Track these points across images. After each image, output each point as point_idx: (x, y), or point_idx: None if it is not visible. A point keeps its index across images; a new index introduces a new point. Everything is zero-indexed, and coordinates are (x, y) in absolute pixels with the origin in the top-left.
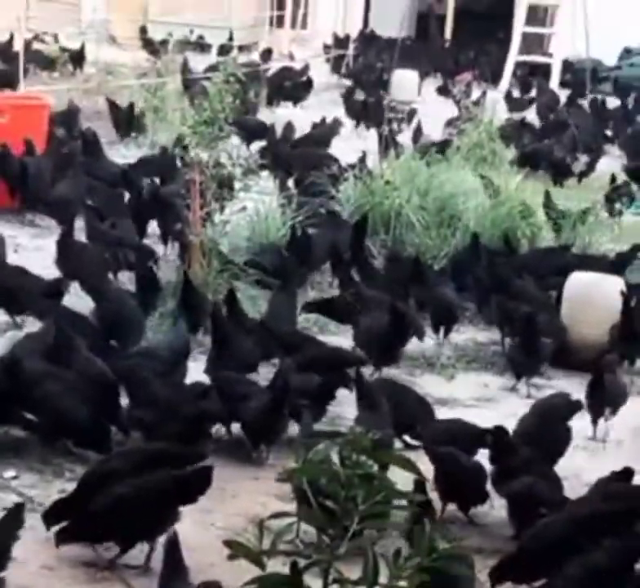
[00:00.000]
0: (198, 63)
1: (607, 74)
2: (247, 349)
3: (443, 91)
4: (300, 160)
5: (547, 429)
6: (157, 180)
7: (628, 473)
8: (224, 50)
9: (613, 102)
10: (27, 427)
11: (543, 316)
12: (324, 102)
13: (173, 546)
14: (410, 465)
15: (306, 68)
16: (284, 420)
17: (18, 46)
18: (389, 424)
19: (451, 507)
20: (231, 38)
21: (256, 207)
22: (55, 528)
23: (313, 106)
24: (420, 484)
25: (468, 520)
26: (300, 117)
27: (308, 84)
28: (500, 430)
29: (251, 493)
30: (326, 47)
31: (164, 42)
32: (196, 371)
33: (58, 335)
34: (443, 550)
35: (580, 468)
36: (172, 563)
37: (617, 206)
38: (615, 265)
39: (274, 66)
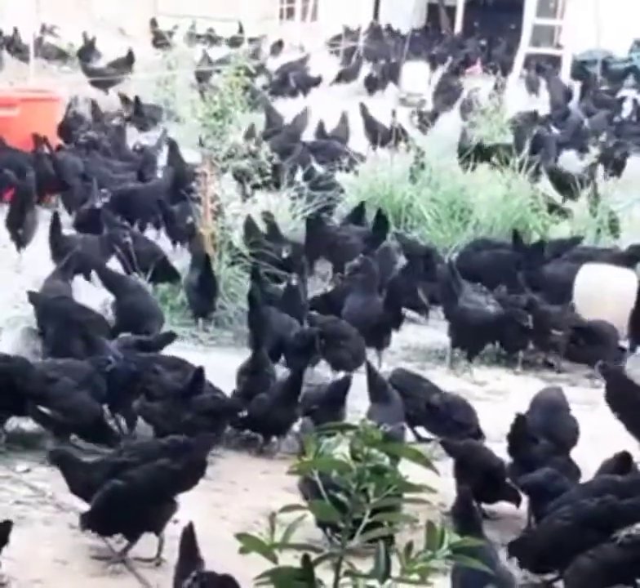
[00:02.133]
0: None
1: (627, 66)
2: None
3: (450, 81)
4: (312, 152)
5: (556, 422)
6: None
7: (627, 457)
8: (234, 42)
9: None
10: (40, 421)
11: (556, 308)
12: (333, 94)
13: (188, 538)
14: (421, 458)
15: (305, 59)
16: (295, 413)
17: (27, 39)
18: (402, 417)
19: None
20: (241, 30)
21: (267, 200)
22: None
23: (321, 99)
24: None
25: (481, 513)
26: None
27: (313, 76)
28: (519, 419)
29: (261, 487)
30: (337, 39)
31: (172, 35)
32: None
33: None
34: (456, 543)
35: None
36: (188, 555)
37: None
38: (628, 258)
39: (280, 59)
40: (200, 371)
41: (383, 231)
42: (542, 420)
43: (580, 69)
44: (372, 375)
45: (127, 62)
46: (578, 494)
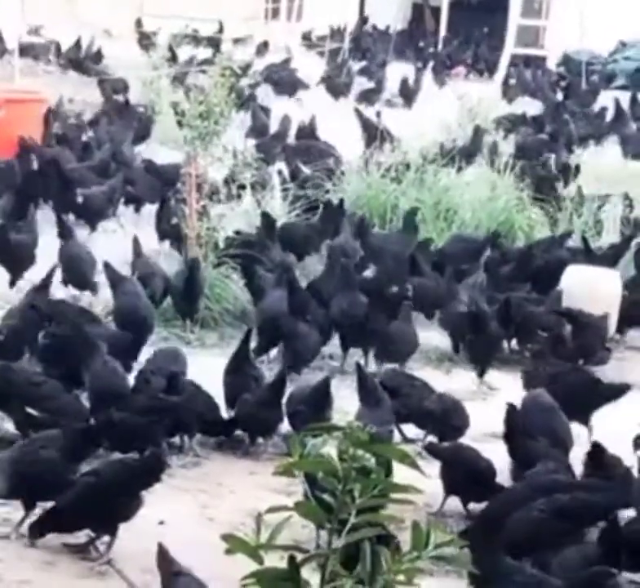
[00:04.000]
0: (193, 56)
1: (613, 68)
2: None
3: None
4: (297, 153)
5: (555, 424)
6: None
7: (599, 448)
8: (212, 42)
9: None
10: (26, 423)
11: (541, 309)
12: (319, 95)
13: (163, 556)
14: (408, 459)
15: (288, 59)
16: (280, 413)
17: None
18: (391, 419)
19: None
20: (220, 30)
21: (253, 200)
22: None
23: (307, 99)
24: None
25: (465, 514)
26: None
27: (294, 77)
28: (510, 411)
29: (248, 488)
30: (321, 39)
31: (156, 35)
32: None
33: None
34: (441, 543)
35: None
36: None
37: None
38: (610, 257)
39: (266, 59)
40: (175, 375)
41: (334, 221)
42: (541, 423)
43: (574, 68)
44: (363, 376)
45: (96, 60)
46: (520, 491)
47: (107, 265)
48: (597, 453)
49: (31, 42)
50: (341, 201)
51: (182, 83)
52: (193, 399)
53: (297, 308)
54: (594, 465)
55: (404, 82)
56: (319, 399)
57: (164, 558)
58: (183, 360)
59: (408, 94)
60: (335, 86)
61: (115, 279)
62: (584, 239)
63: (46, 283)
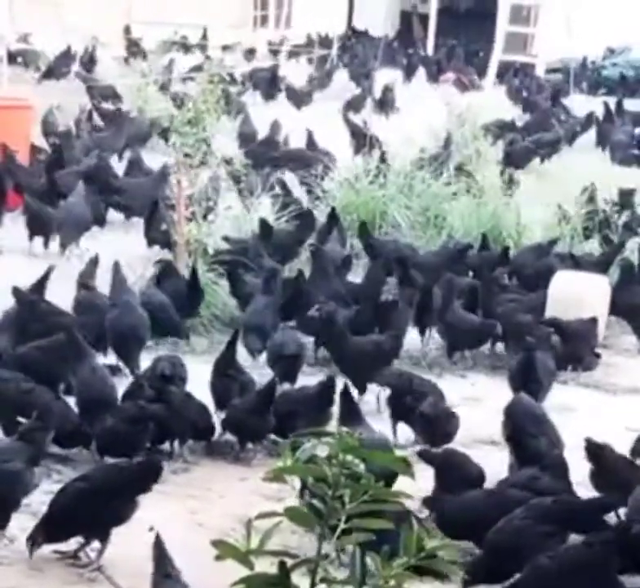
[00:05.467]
0: (183, 63)
1: (600, 74)
2: None
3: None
4: (287, 159)
5: (548, 427)
6: None
7: (593, 443)
8: (199, 49)
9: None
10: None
11: (528, 317)
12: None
13: (159, 547)
14: (399, 464)
15: (275, 67)
16: (270, 419)
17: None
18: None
19: None
20: (205, 37)
21: (242, 206)
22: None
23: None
24: None
25: None
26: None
27: (276, 84)
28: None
29: (238, 493)
30: (309, 46)
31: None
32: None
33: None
34: (431, 548)
35: None
36: (162, 564)
37: None
38: (601, 263)
39: (252, 66)
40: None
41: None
42: (534, 427)
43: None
44: (348, 398)
45: (89, 67)
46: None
47: (116, 267)
48: (594, 449)
49: (19, 48)
50: (333, 208)
51: (168, 90)
52: (184, 407)
53: (286, 313)
54: (596, 461)
55: (385, 90)
56: (323, 398)
57: (159, 557)
58: (183, 367)
59: (386, 102)
60: (296, 95)
61: (116, 285)
62: (572, 255)
63: (41, 284)
